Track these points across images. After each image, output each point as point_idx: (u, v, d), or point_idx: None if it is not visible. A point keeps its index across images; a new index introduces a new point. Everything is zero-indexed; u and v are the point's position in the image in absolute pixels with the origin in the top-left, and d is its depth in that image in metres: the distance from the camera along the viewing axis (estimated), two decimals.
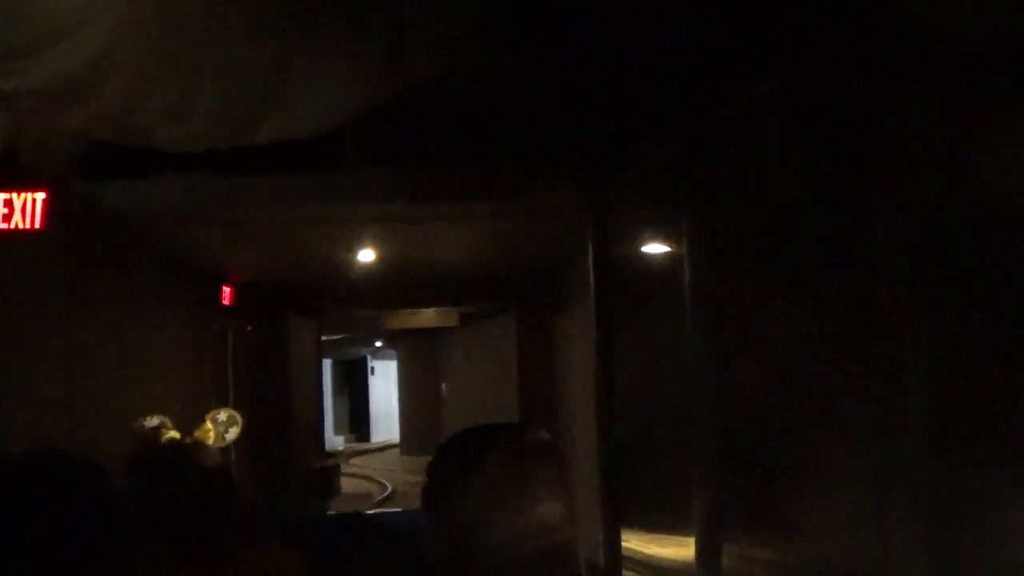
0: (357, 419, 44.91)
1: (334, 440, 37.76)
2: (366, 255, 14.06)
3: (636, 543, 11.97)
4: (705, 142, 7.33)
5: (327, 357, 32.33)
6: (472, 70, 7.27)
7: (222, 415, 8.44)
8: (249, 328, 16.33)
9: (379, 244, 13.55)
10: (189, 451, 3.55)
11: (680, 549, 11.56)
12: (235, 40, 5.67)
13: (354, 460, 34.00)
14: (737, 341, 6.76)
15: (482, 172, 9.25)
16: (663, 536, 12.37)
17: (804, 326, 6.03)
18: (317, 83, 6.49)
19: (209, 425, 8.09)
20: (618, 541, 9.74)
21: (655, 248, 9.87)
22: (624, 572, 10.36)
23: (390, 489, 25.20)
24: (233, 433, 8.34)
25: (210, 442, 7.63)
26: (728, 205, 7.04)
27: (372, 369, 44.19)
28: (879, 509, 5.17)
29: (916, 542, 4.71)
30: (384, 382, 42.73)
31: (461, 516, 2.13)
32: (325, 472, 23.89)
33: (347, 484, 25.85)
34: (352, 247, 13.63)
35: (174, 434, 7.20)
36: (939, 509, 4.60)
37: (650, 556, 12.01)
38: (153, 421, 7.30)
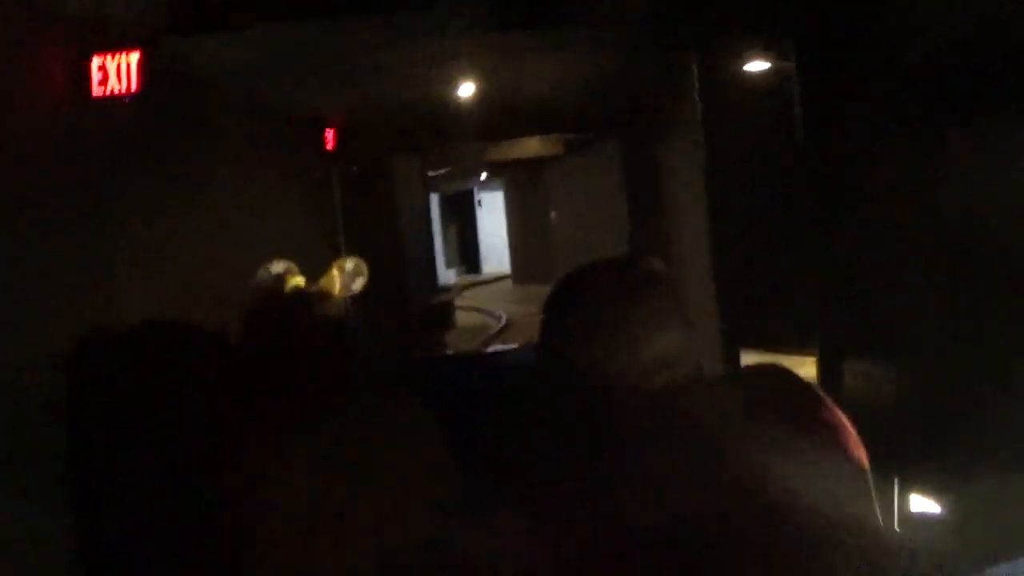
0: (467, 252, 45.24)
1: (446, 274, 38.14)
2: (466, 88, 13.92)
3: (754, 362, 11.95)
4: None
5: (433, 192, 32.42)
6: None
7: (348, 264, 8.33)
8: (354, 169, 16.34)
9: (479, 76, 13.39)
10: (314, 299, 3.47)
11: (799, 368, 11.52)
12: None
13: (467, 293, 34.28)
14: (855, 171, 6.53)
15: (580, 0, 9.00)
16: (782, 357, 12.34)
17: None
18: None
19: (335, 273, 8.00)
20: (738, 364, 9.70)
21: (763, 70, 9.58)
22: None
23: (504, 319, 25.36)
24: (359, 283, 8.26)
25: (335, 291, 7.56)
26: (844, 34, 6.72)
27: (479, 201, 44.31)
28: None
29: None
30: (491, 214, 42.85)
31: (579, 352, 2.10)
32: (440, 307, 24.16)
33: (462, 317, 26.08)
34: (451, 81, 13.50)
35: (299, 281, 7.16)
36: None
37: None
38: (278, 267, 7.23)
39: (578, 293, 2.19)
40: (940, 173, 5.33)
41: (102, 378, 2.09)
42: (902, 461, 4.84)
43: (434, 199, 34.72)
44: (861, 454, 2.10)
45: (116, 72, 7.38)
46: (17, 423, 2.45)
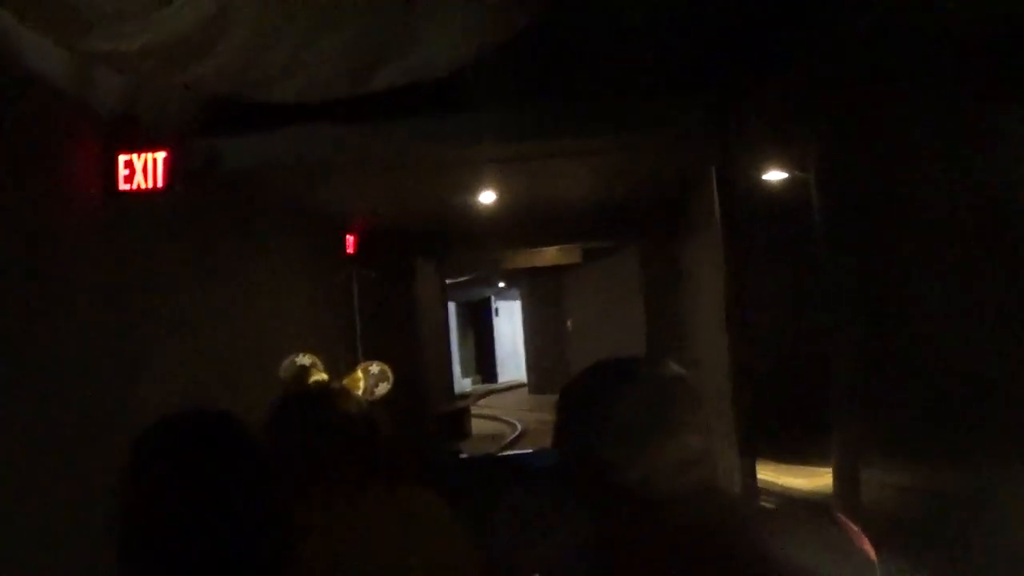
0: (483, 361, 45.19)
1: (462, 382, 38.08)
2: (487, 196, 14.03)
3: (770, 474, 11.89)
4: (832, 71, 7.12)
5: (451, 300, 32.53)
6: (590, 7, 7.14)
7: (374, 368, 8.23)
8: (373, 275, 16.43)
9: (499, 184, 13.51)
10: (337, 396, 3.47)
11: (814, 479, 11.46)
12: None
13: (483, 401, 34.23)
14: (875, 269, 6.56)
15: (602, 106, 9.11)
16: (797, 467, 12.26)
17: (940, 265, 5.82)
18: (436, 26, 6.39)
19: (360, 375, 7.96)
20: (753, 473, 9.64)
21: (781, 177, 9.69)
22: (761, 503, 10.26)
23: (520, 428, 25.29)
24: (383, 388, 8.12)
25: (359, 392, 7.52)
26: (858, 137, 6.82)
27: (496, 310, 44.38)
28: None
29: None
30: (508, 322, 42.91)
31: (595, 452, 2.08)
32: (456, 415, 24.11)
33: (477, 425, 26.02)
34: (473, 189, 13.61)
35: (322, 376, 7.14)
36: None
37: (785, 486, 11.92)
38: (304, 359, 7.21)
39: (598, 390, 2.15)
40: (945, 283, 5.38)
41: (151, 467, 2.13)
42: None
43: (451, 307, 34.81)
44: (868, 548, 2.10)
45: (143, 169, 7.52)
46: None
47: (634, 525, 2.06)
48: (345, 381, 8.05)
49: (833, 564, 2.02)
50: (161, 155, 7.51)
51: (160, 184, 7.44)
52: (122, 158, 7.34)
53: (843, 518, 2.09)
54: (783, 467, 12.21)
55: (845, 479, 8.05)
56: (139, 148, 7.40)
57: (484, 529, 3.22)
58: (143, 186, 7.42)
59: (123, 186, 7.40)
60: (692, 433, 2.10)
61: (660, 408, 2.11)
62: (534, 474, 6.95)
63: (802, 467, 11.83)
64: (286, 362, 7.40)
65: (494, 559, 3.16)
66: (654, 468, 2.05)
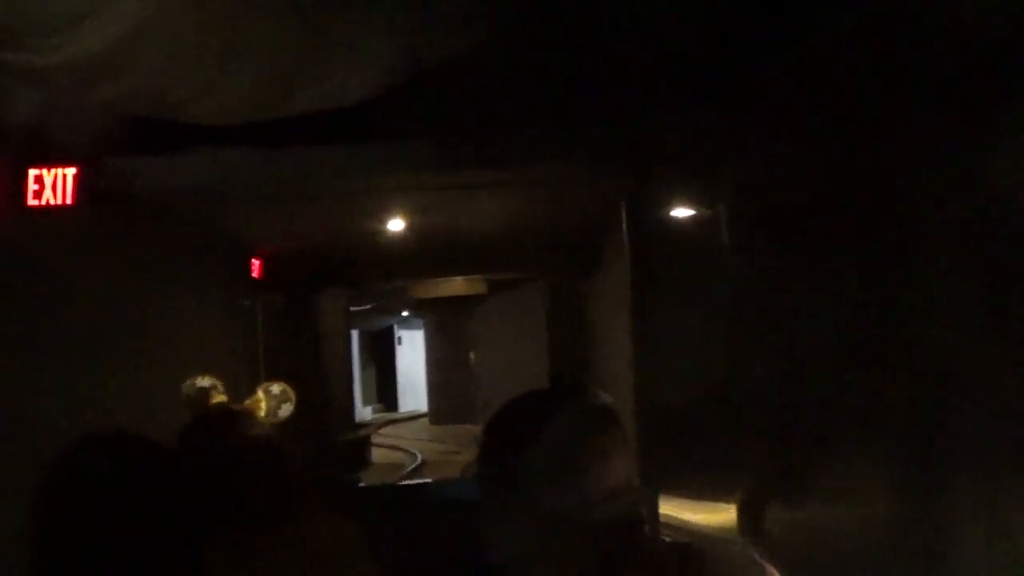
0: (384, 389, 44.98)
1: (362, 411, 37.84)
2: (395, 224, 14.01)
3: (671, 509, 11.94)
4: (743, 108, 7.23)
5: (354, 328, 32.35)
6: (502, 39, 7.17)
7: (275, 388, 8.02)
8: (279, 299, 16.31)
9: (407, 214, 13.49)
10: (240, 418, 3.43)
11: (715, 515, 11.54)
12: (269, 13, 5.59)
13: (383, 430, 34.05)
14: (781, 307, 6.67)
15: (511, 141, 9.15)
16: (697, 502, 12.34)
17: (845, 298, 5.93)
18: (350, 54, 6.40)
19: (261, 396, 7.79)
20: (655, 508, 9.70)
21: (691, 215, 9.78)
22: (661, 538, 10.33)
23: (420, 459, 25.19)
24: (286, 410, 7.94)
25: (261, 415, 7.38)
26: (768, 172, 6.93)
27: (399, 339, 44.24)
28: (930, 473, 5.09)
29: (972, 505, 4.63)
30: (411, 352, 42.78)
31: (524, 482, 2.05)
32: (356, 443, 23.96)
33: (377, 454, 25.87)
34: (380, 218, 13.58)
35: (223, 398, 7.03)
36: (996, 471, 4.52)
37: (686, 521, 11.99)
38: (204, 381, 7.09)
39: (529, 417, 2.13)
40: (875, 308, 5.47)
41: (66, 490, 2.12)
42: None
43: (354, 334, 34.64)
44: None
45: (52, 185, 7.41)
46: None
47: (558, 555, 2.05)
48: (247, 403, 7.95)
49: None
50: (71, 171, 7.42)
51: (70, 201, 7.34)
52: (32, 172, 7.24)
53: (764, 561, 2.11)
54: (685, 502, 12.28)
55: (750, 515, 8.14)
56: (49, 163, 7.30)
57: (385, 560, 3.21)
58: (52, 202, 7.32)
59: (32, 201, 7.29)
60: (620, 462, 2.09)
61: (590, 436, 2.10)
62: (436, 505, 6.93)
63: (702, 503, 11.90)
64: (187, 383, 7.30)
65: None
66: (583, 496, 2.04)
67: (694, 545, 2.28)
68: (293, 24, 5.73)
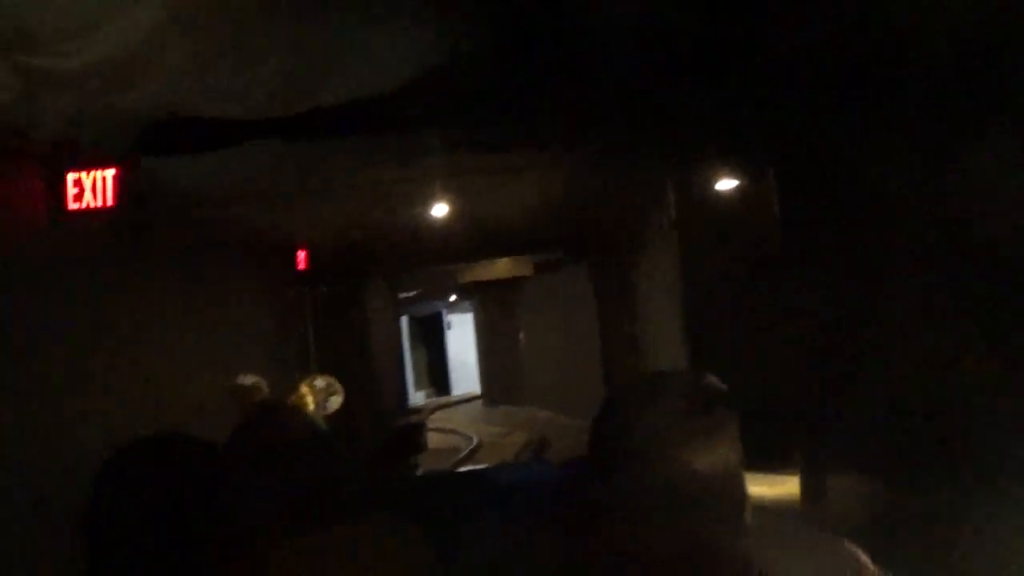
0: (436, 374, 45.08)
1: (415, 396, 37.95)
2: (439, 210, 13.96)
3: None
4: (786, 88, 7.10)
5: (403, 314, 32.41)
6: (542, 20, 7.09)
7: (319, 382, 7.93)
8: (325, 290, 16.32)
9: (450, 198, 13.44)
10: (287, 416, 3.36)
11: (776, 487, 11.47)
12: (291, 12, 5.55)
13: (437, 414, 34.08)
14: (835, 279, 6.53)
15: (553, 120, 9.06)
16: (763, 476, 12.27)
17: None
18: (377, 45, 6.35)
19: (305, 390, 7.70)
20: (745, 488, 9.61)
21: (736, 188, 9.66)
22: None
23: (476, 441, 25.15)
24: (336, 402, 7.84)
25: (310, 409, 7.30)
26: (814, 148, 6.80)
27: (449, 323, 44.32)
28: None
29: None
30: (461, 335, 42.82)
31: (640, 467, 2.05)
32: (411, 429, 23.95)
33: (432, 439, 25.86)
34: (423, 204, 13.54)
35: (264, 394, 6.99)
36: None
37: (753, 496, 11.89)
38: (249, 379, 7.07)
39: (635, 404, 2.14)
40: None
41: (118, 491, 2.10)
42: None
43: (404, 321, 34.65)
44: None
45: (92, 188, 7.38)
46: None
47: (658, 540, 2.03)
48: (292, 399, 7.88)
49: None
50: (110, 172, 7.40)
51: (110, 202, 7.32)
52: (71, 176, 7.22)
53: (859, 552, 2.11)
54: (747, 475, 12.19)
55: (812, 487, 8.04)
56: (88, 166, 7.28)
57: (449, 553, 3.13)
58: (92, 205, 7.30)
59: (72, 205, 7.27)
60: (733, 450, 2.10)
61: (707, 423, 2.10)
62: (501, 491, 6.85)
63: (764, 475, 11.83)
64: (231, 383, 7.26)
65: None
66: (696, 481, 2.05)
67: (783, 530, 2.24)
68: (314, 24, 5.71)
